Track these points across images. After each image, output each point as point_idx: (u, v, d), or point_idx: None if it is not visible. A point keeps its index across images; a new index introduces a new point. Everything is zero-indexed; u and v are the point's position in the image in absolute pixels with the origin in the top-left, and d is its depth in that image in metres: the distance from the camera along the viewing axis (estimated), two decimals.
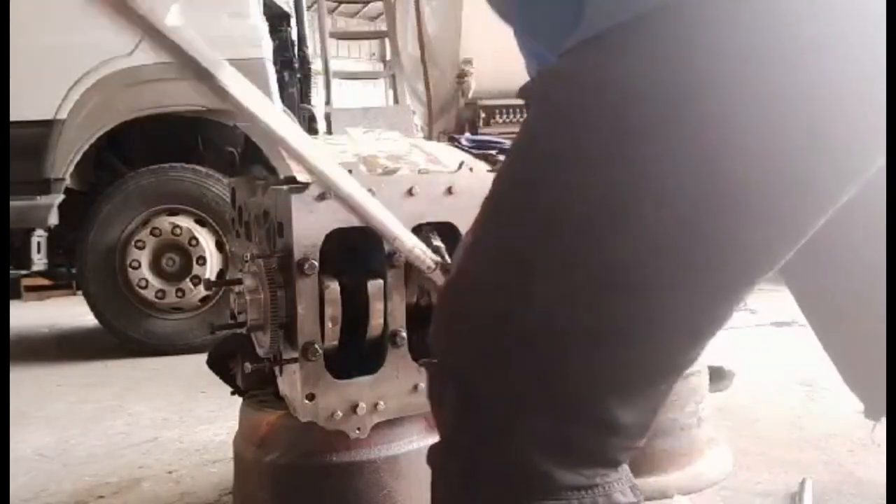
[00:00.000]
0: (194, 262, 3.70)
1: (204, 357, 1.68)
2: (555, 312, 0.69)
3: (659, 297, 0.67)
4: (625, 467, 0.74)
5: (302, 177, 1.42)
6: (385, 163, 1.53)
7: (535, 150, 0.74)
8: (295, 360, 1.30)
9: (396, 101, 5.37)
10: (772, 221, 0.67)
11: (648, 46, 0.66)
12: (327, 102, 5.10)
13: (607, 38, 0.68)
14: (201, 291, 3.74)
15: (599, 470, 0.72)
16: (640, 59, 0.67)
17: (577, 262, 0.68)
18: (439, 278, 1.24)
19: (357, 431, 1.36)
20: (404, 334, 1.39)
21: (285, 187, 1.34)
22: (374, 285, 1.35)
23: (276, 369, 1.44)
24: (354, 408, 1.35)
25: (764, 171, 0.64)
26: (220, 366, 1.65)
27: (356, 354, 1.40)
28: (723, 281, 0.69)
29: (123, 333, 3.78)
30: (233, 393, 1.64)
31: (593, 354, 0.69)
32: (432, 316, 0.84)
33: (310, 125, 4.52)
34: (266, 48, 3.85)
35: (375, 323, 1.37)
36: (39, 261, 3.69)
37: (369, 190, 1.32)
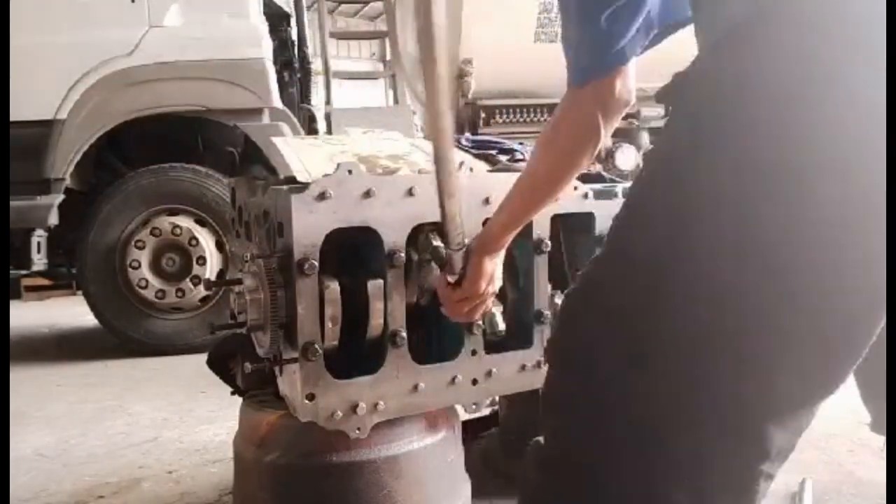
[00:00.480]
0: (194, 262, 3.70)
1: (204, 357, 1.68)
2: (706, 331, 0.67)
3: (814, 316, 0.66)
4: None
5: (301, 177, 1.42)
6: (385, 163, 1.53)
7: (674, 160, 0.74)
8: (295, 360, 1.30)
9: (396, 101, 5.37)
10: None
11: (780, 43, 0.67)
12: (327, 102, 5.10)
13: (744, 35, 0.68)
14: (201, 291, 3.74)
15: None
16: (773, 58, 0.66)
17: (724, 283, 0.66)
18: (458, 261, 1.25)
19: (357, 431, 1.36)
20: (404, 334, 1.39)
21: (285, 187, 1.34)
22: (374, 285, 1.35)
23: (276, 369, 1.44)
24: (354, 408, 1.35)
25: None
26: (220, 366, 1.65)
27: (356, 354, 1.39)
28: (860, 301, 0.67)
29: (123, 333, 3.78)
30: (233, 393, 1.64)
31: (747, 374, 0.67)
32: (562, 315, 0.83)
33: (310, 125, 4.52)
34: (266, 48, 3.85)
35: (375, 323, 1.37)
36: (39, 261, 3.69)
37: (368, 190, 1.33)
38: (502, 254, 1.33)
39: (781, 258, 0.65)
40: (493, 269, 1.32)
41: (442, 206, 1.12)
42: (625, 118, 1.18)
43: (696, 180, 0.69)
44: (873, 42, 0.63)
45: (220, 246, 3.75)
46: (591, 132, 1.11)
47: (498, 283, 1.35)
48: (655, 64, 1.23)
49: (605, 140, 1.15)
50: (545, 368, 1.55)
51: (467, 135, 3.72)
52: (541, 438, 0.81)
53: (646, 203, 0.75)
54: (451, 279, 1.33)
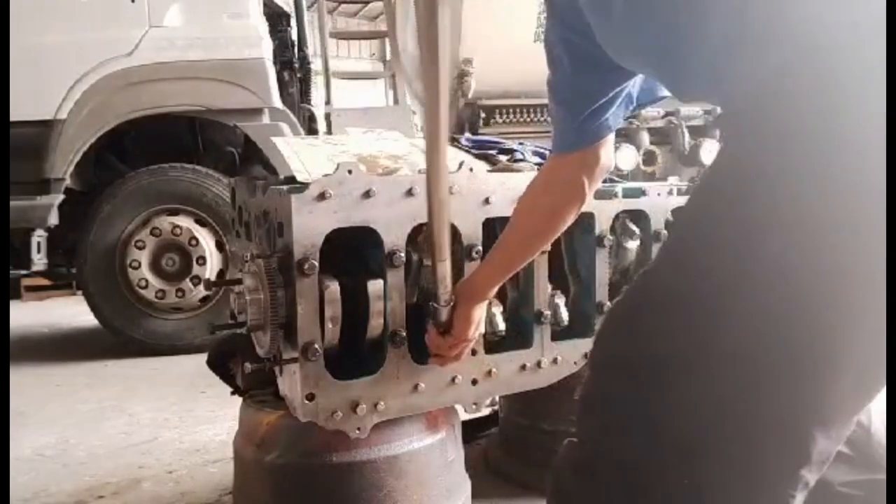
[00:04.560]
0: (194, 262, 3.70)
1: (204, 357, 1.69)
2: (754, 345, 0.70)
3: (854, 330, 0.69)
4: None
5: (301, 177, 1.43)
6: (385, 163, 1.53)
7: (744, 182, 0.76)
8: (295, 360, 1.30)
9: (396, 101, 5.37)
10: None
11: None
12: (327, 102, 5.09)
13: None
14: (201, 291, 3.74)
15: None
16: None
17: (770, 303, 0.70)
18: (446, 314, 1.33)
19: (357, 431, 1.36)
20: (404, 334, 1.39)
21: (285, 187, 1.34)
22: (374, 285, 1.35)
23: (276, 369, 1.44)
24: (354, 408, 1.35)
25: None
26: (220, 366, 1.65)
27: (356, 354, 1.40)
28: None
29: (123, 333, 3.78)
30: (233, 393, 1.64)
31: (795, 384, 0.69)
32: (614, 318, 0.87)
33: (310, 125, 4.51)
34: (266, 48, 3.85)
35: (375, 323, 1.37)
36: (39, 261, 3.69)
37: (368, 190, 1.33)
38: (486, 302, 1.38)
39: (850, 277, 0.68)
40: (480, 315, 1.38)
41: (434, 267, 1.20)
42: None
43: (769, 204, 0.72)
44: None
45: (220, 246, 3.75)
46: (577, 195, 1.21)
47: (482, 326, 1.42)
48: None
49: (589, 200, 1.25)
50: (545, 368, 1.56)
51: (467, 135, 3.72)
52: (574, 439, 0.82)
53: (714, 218, 0.77)
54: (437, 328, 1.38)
